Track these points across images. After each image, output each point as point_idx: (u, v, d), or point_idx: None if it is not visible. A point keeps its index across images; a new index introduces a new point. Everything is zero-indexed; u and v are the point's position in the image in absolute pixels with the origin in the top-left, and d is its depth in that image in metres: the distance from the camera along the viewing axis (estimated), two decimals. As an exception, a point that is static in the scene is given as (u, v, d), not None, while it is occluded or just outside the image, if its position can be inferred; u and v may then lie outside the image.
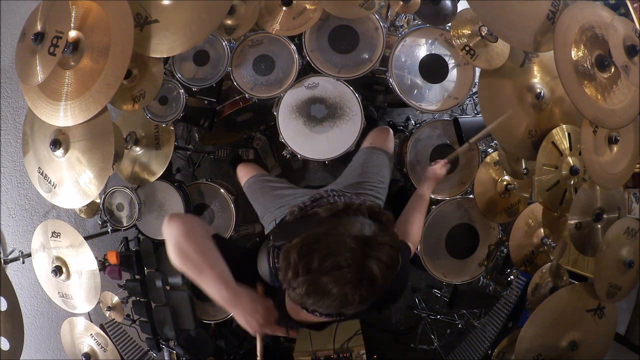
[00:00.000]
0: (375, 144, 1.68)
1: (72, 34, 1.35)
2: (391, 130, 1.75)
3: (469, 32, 1.55)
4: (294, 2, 1.65)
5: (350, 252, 0.74)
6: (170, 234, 0.93)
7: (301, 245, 0.76)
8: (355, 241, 0.75)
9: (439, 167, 1.50)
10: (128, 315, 1.96)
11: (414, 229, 1.29)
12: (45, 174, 1.54)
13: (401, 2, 1.60)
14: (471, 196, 1.84)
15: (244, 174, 1.77)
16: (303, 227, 0.80)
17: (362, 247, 0.75)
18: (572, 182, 1.50)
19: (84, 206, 1.76)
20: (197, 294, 2.02)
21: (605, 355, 1.64)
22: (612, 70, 1.31)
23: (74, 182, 1.48)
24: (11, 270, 1.73)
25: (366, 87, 2.00)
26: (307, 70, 1.84)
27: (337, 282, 0.73)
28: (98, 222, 1.88)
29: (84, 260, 1.64)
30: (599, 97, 1.29)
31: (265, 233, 1.40)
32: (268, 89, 1.77)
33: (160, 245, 1.89)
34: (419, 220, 1.33)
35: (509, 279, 1.85)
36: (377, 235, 0.78)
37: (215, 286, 0.90)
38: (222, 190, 1.98)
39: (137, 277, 1.90)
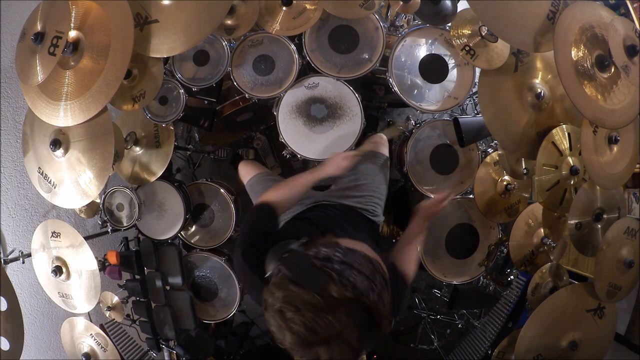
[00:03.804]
0: (371, 148, 1.70)
1: (72, 34, 1.35)
2: (385, 137, 1.77)
3: (469, 32, 1.55)
4: (294, 2, 1.65)
5: (317, 334, 0.74)
6: None
7: (292, 295, 0.76)
8: (329, 331, 0.74)
9: (432, 205, 1.35)
10: (128, 315, 1.96)
11: (407, 264, 1.23)
12: (45, 174, 1.54)
13: (401, 2, 1.60)
14: (471, 196, 1.84)
15: (246, 172, 1.77)
16: (311, 281, 0.77)
17: (329, 337, 0.74)
18: (572, 182, 1.50)
19: (84, 206, 1.76)
20: (197, 294, 2.03)
21: (604, 355, 1.64)
22: (612, 70, 1.31)
23: (74, 182, 1.48)
24: (11, 270, 1.74)
25: (366, 87, 2.00)
26: (307, 70, 1.84)
27: (291, 341, 0.75)
28: (98, 222, 1.88)
29: (84, 260, 1.64)
30: (599, 97, 1.29)
31: None
32: (268, 89, 1.77)
33: (160, 245, 1.90)
34: (413, 255, 1.27)
35: (509, 279, 1.85)
36: (353, 338, 0.75)
37: None
38: (222, 190, 1.97)
39: (137, 277, 1.90)
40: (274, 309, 0.77)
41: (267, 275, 0.87)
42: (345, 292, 0.76)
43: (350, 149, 1.77)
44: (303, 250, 0.86)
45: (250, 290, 1.11)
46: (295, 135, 1.79)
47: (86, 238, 1.65)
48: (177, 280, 1.90)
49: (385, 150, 1.74)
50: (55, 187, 1.53)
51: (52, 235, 1.65)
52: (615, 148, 1.45)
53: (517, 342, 1.52)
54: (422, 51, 1.75)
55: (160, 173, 1.78)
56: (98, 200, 1.80)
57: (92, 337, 1.81)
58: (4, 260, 1.65)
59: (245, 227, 1.14)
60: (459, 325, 2.28)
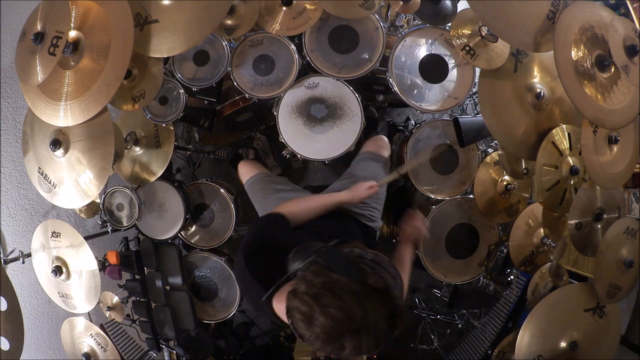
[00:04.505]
0: (372, 149, 1.70)
1: (72, 34, 1.35)
2: (386, 139, 1.79)
3: (469, 32, 1.54)
4: (294, 2, 1.65)
5: (352, 320, 0.78)
6: None
7: (333, 281, 0.81)
8: (364, 317, 0.78)
9: (413, 231, 1.37)
10: (128, 315, 1.96)
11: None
12: (45, 174, 1.54)
13: (401, 2, 1.60)
14: (471, 196, 1.84)
15: (245, 172, 1.77)
16: (350, 271, 0.83)
17: (362, 324, 0.79)
18: (572, 182, 1.50)
19: (84, 206, 1.76)
20: (197, 294, 2.03)
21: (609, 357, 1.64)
22: (612, 70, 1.31)
23: (74, 182, 1.48)
24: (11, 270, 1.74)
25: (366, 87, 2.00)
26: (307, 70, 1.84)
27: (322, 327, 0.79)
28: (98, 222, 1.88)
29: (84, 260, 1.64)
30: (599, 97, 1.29)
31: None
32: (268, 89, 1.77)
33: (160, 245, 1.90)
34: (408, 272, 1.30)
35: (509, 279, 1.85)
36: (380, 329, 0.80)
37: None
38: (222, 190, 1.98)
39: (137, 277, 1.90)
40: (309, 294, 0.80)
41: (291, 272, 0.90)
42: (379, 283, 0.82)
43: (350, 149, 1.77)
44: (335, 248, 0.91)
45: (247, 294, 1.14)
46: (295, 135, 1.79)
47: (86, 238, 1.65)
48: (177, 280, 1.90)
49: (386, 153, 1.74)
50: (55, 187, 1.53)
51: (52, 235, 1.65)
52: (615, 148, 1.45)
53: (517, 343, 1.53)
54: (422, 51, 1.75)
55: (160, 173, 1.78)
56: (98, 200, 1.80)
57: (92, 337, 1.81)
58: (4, 260, 1.65)
59: (252, 233, 1.15)
60: (459, 325, 2.28)
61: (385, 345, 0.84)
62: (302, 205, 1.27)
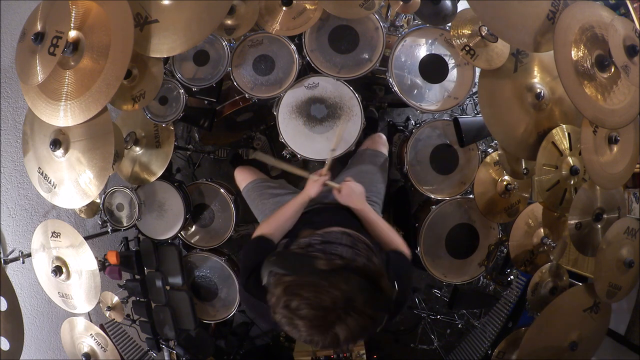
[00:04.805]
0: (371, 147, 1.70)
1: (72, 34, 1.35)
2: (384, 136, 1.80)
3: (469, 32, 1.55)
4: (294, 2, 1.65)
5: (326, 310, 0.79)
6: None
7: (289, 284, 0.82)
8: (335, 301, 0.79)
9: (342, 192, 1.33)
10: (128, 315, 1.96)
11: (390, 239, 1.26)
12: (45, 174, 1.54)
13: (401, 2, 1.60)
14: (471, 196, 1.84)
15: (242, 178, 1.77)
16: (299, 266, 0.84)
17: (339, 310, 0.79)
18: (572, 182, 1.50)
19: (84, 206, 1.76)
20: (197, 294, 2.03)
21: (600, 346, 1.65)
22: (612, 70, 1.31)
23: (74, 182, 1.48)
24: (11, 270, 1.73)
25: (366, 87, 2.00)
26: (307, 70, 1.84)
27: (306, 328, 0.80)
28: (98, 222, 1.88)
29: (84, 260, 1.64)
30: (599, 97, 1.29)
31: None
32: (268, 89, 1.77)
33: (160, 245, 1.90)
34: (385, 229, 1.29)
35: (509, 279, 1.85)
36: (361, 303, 0.80)
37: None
38: (222, 190, 1.98)
39: (137, 277, 1.90)
40: (280, 307, 0.82)
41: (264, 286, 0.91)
42: (333, 263, 0.82)
43: (350, 149, 1.77)
44: (285, 249, 0.94)
45: (259, 317, 1.17)
46: (295, 135, 1.79)
47: (86, 238, 1.65)
48: (177, 280, 1.90)
49: (384, 150, 1.74)
50: (55, 187, 1.53)
51: (52, 235, 1.65)
52: (615, 148, 1.45)
53: (520, 347, 1.53)
54: (422, 51, 1.75)
55: (160, 173, 1.77)
56: (98, 200, 1.80)
57: (92, 337, 1.81)
58: (4, 260, 1.64)
59: (242, 261, 1.18)
60: (459, 325, 2.28)
61: (382, 314, 0.84)
62: (276, 220, 1.29)
